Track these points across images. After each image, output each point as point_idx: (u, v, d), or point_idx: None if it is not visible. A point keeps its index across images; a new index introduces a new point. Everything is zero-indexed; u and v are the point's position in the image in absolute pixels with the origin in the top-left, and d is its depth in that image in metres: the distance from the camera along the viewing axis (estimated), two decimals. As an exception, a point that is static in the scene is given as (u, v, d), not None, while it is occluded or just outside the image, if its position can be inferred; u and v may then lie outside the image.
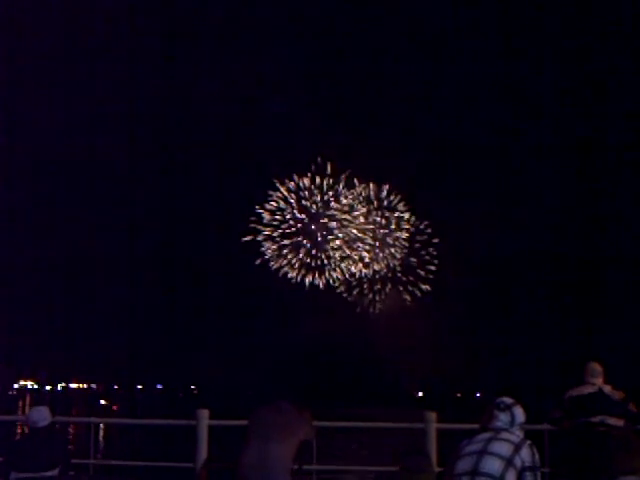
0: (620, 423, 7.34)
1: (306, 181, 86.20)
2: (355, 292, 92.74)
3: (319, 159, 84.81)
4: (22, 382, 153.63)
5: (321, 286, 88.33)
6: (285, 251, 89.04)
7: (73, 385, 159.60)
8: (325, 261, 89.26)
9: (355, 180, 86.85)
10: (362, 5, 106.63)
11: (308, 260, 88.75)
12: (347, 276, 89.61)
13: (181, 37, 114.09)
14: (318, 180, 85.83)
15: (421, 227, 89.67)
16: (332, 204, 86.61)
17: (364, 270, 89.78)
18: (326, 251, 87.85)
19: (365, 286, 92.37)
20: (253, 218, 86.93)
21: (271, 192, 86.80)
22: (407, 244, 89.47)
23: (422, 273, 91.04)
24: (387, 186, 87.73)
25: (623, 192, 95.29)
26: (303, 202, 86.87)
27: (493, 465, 4.97)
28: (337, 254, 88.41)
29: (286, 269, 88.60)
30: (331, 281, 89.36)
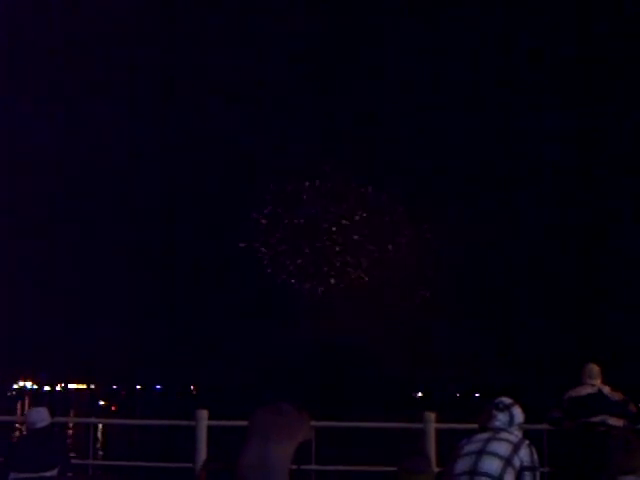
0: (620, 423, 7.35)
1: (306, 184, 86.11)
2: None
3: (319, 162, 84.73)
4: (21, 383, 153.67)
5: (319, 293, 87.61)
6: (282, 258, 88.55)
7: (72, 386, 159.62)
8: (325, 268, 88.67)
9: (353, 184, 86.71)
10: (364, 7, 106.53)
11: (307, 266, 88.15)
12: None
13: (180, 39, 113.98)
14: (318, 183, 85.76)
15: (421, 231, 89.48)
16: (331, 208, 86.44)
17: (363, 277, 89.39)
18: (326, 257, 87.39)
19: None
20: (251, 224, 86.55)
21: (268, 197, 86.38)
22: (407, 249, 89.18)
23: (421, 278, 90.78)
24: (385, 192, 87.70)
25: (626, 193, 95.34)
26: (302, 206, 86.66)
27: (492, 465, 4.97)
28: (337, 261, 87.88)
29: (284, 276, 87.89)
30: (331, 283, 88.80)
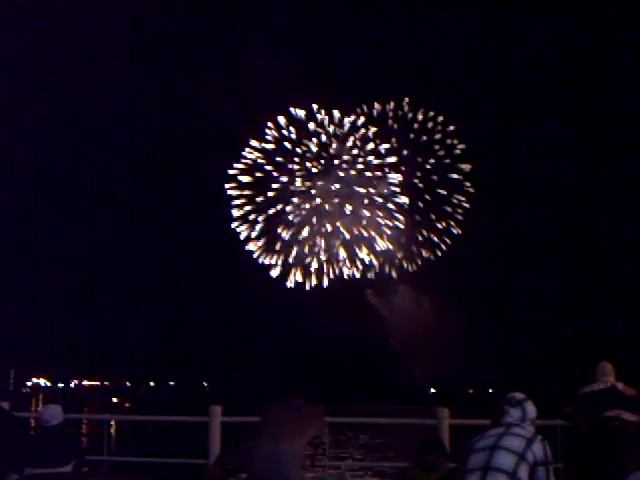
0: (634, 418, 7.34)
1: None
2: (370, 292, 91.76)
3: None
4: (35, 379, 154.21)
5: (325, 285, 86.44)
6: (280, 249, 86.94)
7: (86, 382, 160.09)
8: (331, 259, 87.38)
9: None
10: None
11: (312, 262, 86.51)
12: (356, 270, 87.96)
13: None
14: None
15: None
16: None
17: (371, 257, 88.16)
18: (333, 248, 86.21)
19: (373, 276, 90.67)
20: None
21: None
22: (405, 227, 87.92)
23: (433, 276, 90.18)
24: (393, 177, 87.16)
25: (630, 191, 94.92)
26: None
27: (505, 460, 4.97)
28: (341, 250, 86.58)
29: (278, 269, 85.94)
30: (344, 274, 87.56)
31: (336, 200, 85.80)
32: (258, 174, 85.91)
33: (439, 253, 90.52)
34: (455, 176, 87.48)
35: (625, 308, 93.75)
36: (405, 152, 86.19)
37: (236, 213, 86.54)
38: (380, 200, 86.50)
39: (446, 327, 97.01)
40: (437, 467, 6.20)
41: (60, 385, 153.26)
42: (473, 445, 5.22)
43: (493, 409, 5.47)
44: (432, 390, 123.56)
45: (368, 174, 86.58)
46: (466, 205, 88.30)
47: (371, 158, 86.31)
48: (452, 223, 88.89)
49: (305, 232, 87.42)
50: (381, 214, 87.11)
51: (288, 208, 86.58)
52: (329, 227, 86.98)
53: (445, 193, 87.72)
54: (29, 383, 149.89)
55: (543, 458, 5.05)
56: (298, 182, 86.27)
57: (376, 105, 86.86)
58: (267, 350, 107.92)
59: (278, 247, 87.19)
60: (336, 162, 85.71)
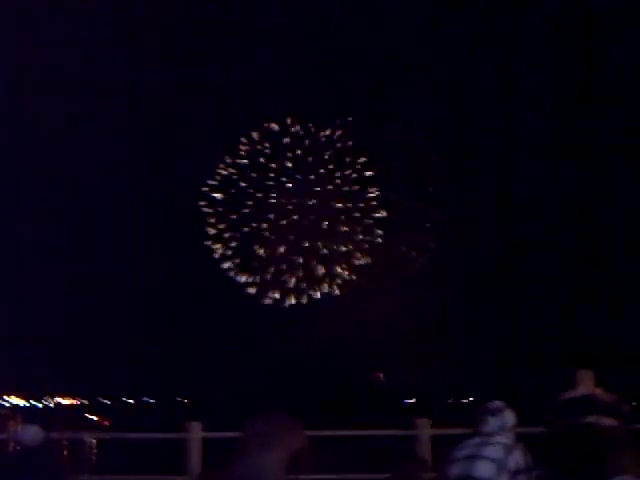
0: (613, 424, 7.38)
1: None
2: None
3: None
4: (12, 400, 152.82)
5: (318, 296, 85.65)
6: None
7: (64, 401, 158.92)
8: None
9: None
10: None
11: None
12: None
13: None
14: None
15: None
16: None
17: (349, 273, 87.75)
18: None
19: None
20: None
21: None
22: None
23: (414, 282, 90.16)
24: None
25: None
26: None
27: (486, 469, 4.98)
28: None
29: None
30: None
31: (312, 216, 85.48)
32: (232, 190, 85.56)
33: (417, 266, 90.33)
34: (430, 190, 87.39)
35: (614, 316, 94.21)
36: (381, 166, 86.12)
37: (210, 231, 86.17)
38: (358, 214, 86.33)
39: (425, 337, 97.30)
40: (413, 478, 6.21)
41: (39, 405, 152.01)
42: (453, 455, 5.23)
43: (473, 418, 5.48)
44: (411, 400, 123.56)
45: (345, 189, 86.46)
46: (443, 218, 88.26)
47: (348, 172, 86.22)
48: (430, 236, 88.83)
49: (282, 249, 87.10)
50: (359, 229, 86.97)
51: (264, 225, 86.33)
52: (306, 243, 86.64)
53: (422, 206, 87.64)
54: (7, 404, 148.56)
55: (524, 466, 5.06)
56: (273, 198, 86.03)
57: (350, 119, 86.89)
58: (246, 365, 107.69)
59: (255, 265, 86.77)
60: (312, 177, 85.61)
